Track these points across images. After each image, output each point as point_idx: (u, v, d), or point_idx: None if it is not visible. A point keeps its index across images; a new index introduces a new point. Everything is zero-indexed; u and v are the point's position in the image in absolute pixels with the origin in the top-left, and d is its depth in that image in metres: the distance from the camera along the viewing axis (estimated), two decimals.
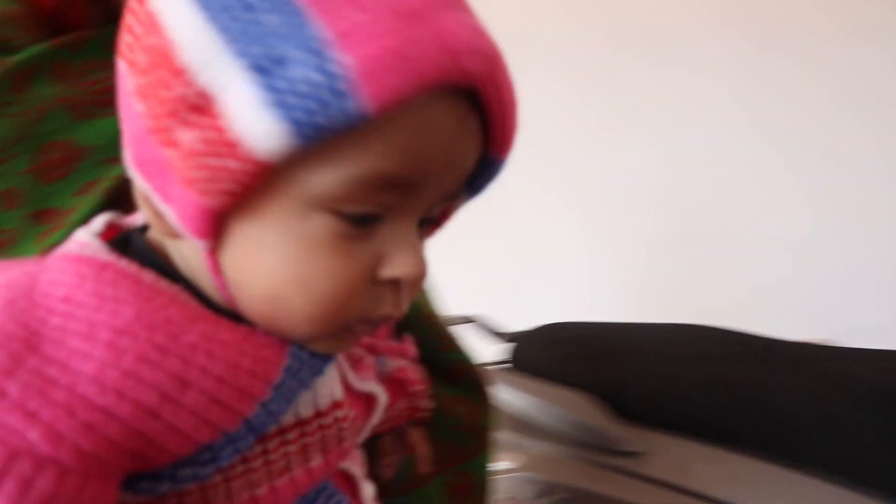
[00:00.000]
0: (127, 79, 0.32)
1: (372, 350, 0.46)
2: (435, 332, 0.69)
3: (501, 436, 1.11)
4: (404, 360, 0.58)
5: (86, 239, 0.33)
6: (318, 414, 0.38)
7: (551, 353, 1.16)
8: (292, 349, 0.35)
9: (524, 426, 1.12)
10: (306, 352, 0.36)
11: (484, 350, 1.33)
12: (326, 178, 0.31)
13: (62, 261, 0.31)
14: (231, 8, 0.28)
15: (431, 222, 0.39)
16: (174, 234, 0.34)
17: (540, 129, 2.44)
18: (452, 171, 0.35)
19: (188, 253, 0.35)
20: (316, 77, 0.28)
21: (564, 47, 2.32)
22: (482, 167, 0.37)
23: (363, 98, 0.28)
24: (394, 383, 0.55)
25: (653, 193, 2.35)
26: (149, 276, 0.32)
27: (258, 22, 0.28)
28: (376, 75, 0.28)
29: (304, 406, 0.37)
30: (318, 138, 0.29)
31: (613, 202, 2.37)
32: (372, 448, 0.59)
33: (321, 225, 0.32)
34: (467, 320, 1.37)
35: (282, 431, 0.36)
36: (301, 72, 0.28)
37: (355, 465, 0.44)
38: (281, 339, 0.35)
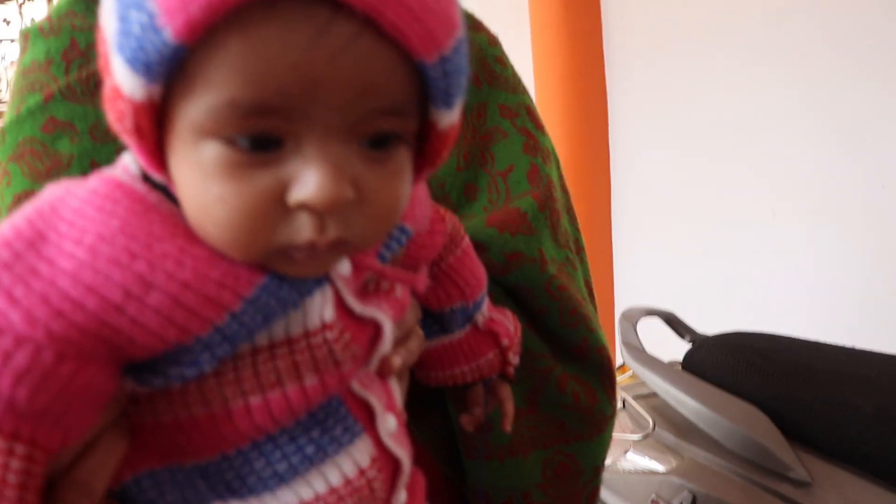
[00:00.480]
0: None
1: (381, 275, 0.44)
2: (561, 305, 0.69)
3: (661, 435, 1.09)
4: (499, 314, 0.61)
5: (126, 163, 0.38)
6: (307, 333, 0.39)
7: (729, 360, 1.09)
8: (269, 281, 0.36)
9: (686, 429, 1.07)
10: (290, 281, 0.37)
11: (671, 346, 1.29)
12: (195, 109, 0.33)
13: (94, 178, 0.37)
14: None
15: (390, 142, 0.36)
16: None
17: (772, 132, 2.25)
18: (342, 87, 0.33)
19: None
20: (140, 21, 0.31)
21: (806, 56, 2.12)
22: (427, 73, 0.35)
23: (175, 29, 0.30)
24: (485, 334, 0.58)
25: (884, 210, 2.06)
26: (154, 198, 0.36)
27: None
28: (177, 7, 0.30)
29: (294, 324, 0.38)
30: (161, 74, 0.32)
31: (839, 215, 2.12)
32: (462, 397, 0.62)
33: (211, 153, 0.33)
34: (661, 314, 1.33)
35: (272, 346, 0.38)
36: (134, 21, 0.31)
37: (376, 395, 0.44)
38: (257, 274, 0.36)
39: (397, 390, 0.47)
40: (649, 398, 1.16)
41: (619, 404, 1.22)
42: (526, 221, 0.69)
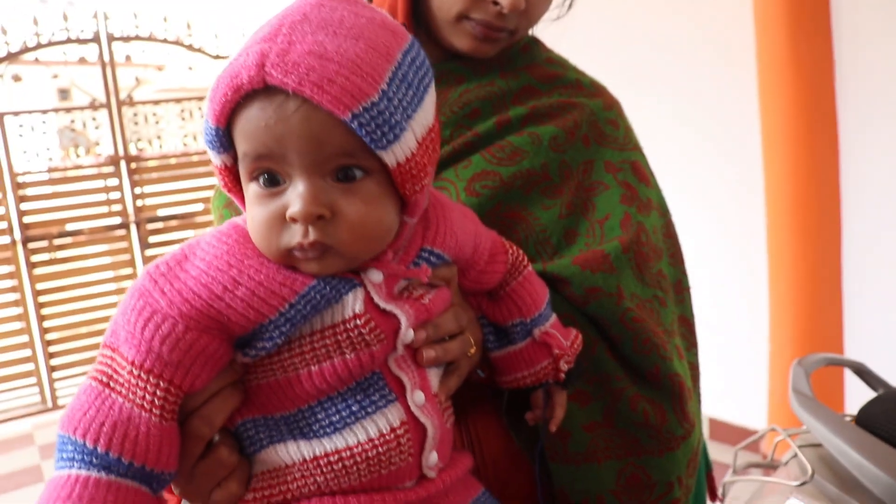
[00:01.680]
0: None
1: (393, 273, 0.60)
2: (634, 335, 0.78)
3: (823, 485, 1.07)
4: (560, 330, 0.74)
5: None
6: (344, 321, 0.56)
7: None
8: (316, 284, 0.55)
9: (850, 484, 1.05)
10: (337, 279, 0.56)
11: (858, 397, 1.24)
12: (240, 164, 0.56)
13: (227, 222, 0.60)
14: None
15: (356, 175, 0.54)
16: None
17: None
18: (298, 141, 0.52)
19: None
20: (205, 126, 0.56)
21: None
22: (350, 126, 0.51)
23: (212, 121, 0.54)
24: (541, 345, 0.72)
25: None
26: (252, 243, 0.58)
27: None
28: (210, 108, 0.54)
29: (335, 314, 0.56)
30: (218, 147, 0.56)
31: None
32: (525, 399, 0.75)
33: (251, 190, 0.56)
34: (849, 364, 1.29)
35: (322, 330, 0.56)
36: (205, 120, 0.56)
37: (409, 375, 0.60)
38: (309, 278, 0.55)
39: (435, 376, 0.64)
40: (818, 448, 1.14)
41: (791, 453, 1.21)
42: (608, 262, 0.79)
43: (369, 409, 0.58)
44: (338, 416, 0.58)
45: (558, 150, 0.85)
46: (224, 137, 0.55)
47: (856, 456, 1.02)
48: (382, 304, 0.58)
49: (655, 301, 0.83)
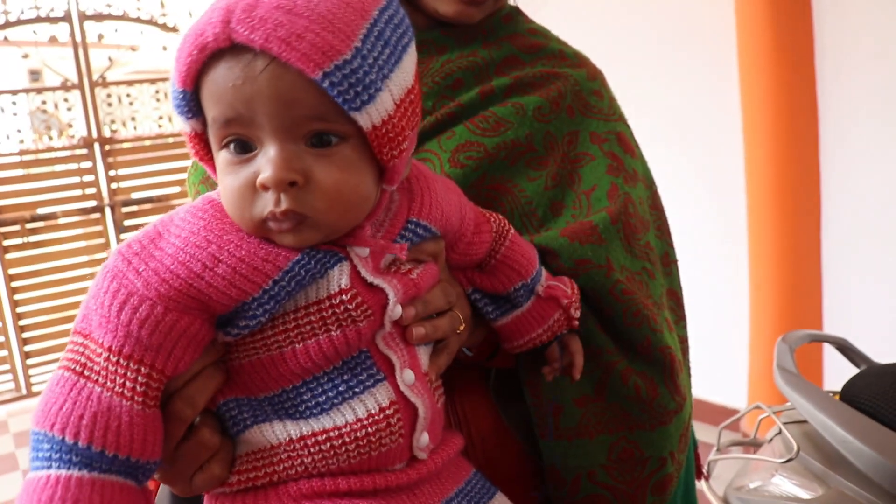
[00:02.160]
0: None
1: (374, 248, 0.57)
2: (625, 307, 0.77)
3: (809, 462, 1.08)
4: (556, 281, 0.73)
5: None
6: (330, 296, 0.54)
7: (889, 391, 1.05)
8: (300, 258, 0.52)
9: (835, 459, 1.05)
10: (322, 252, 0.53)
11: (842, 374, 1.25)
12: (209, 130, 0.53)
13: (200, 197, 0.57)
14: None
15: (331, 141, 0.51)
16: None
17: None
18: (267, 101, 0.49)
19: None
20: (172, 89, 0.52)
21: None
22: (321, 86, 0.48)
23: (179, 83, 0.51)
24: (547, 300, 0.72)
25: None
26: (231, 219, 0.55)
27: None
28: (177, 70, 0.51)
29: (321, 289, 0.54)
30: (186, 111, 0.53)
31: None
32: (540, 356, 0.74)
33: (221, 158, 0.53)
34: (832, 340, 1.29)
35: (306, 306, 0.54)
36: (172, 85, 0.53)
37: (397, 354, 0.58)
38: (293, 253, 0.53)
39: (424, 354, 0.62)
40: (803, 424, 1.14)
41: (776, 430, 1.21)
42: (596, 233, 0.78)
43: (357, 389, 0.56)
44: (324, 397, 0.56)
45: (543, 121, 0.83)
46: (192, 101, 0.52)
47: (841, 432, 1.02)
48: (370, 278, 0.56)
49: (644, 273, 0.82)
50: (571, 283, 0.75)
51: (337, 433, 0.55)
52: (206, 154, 0.56)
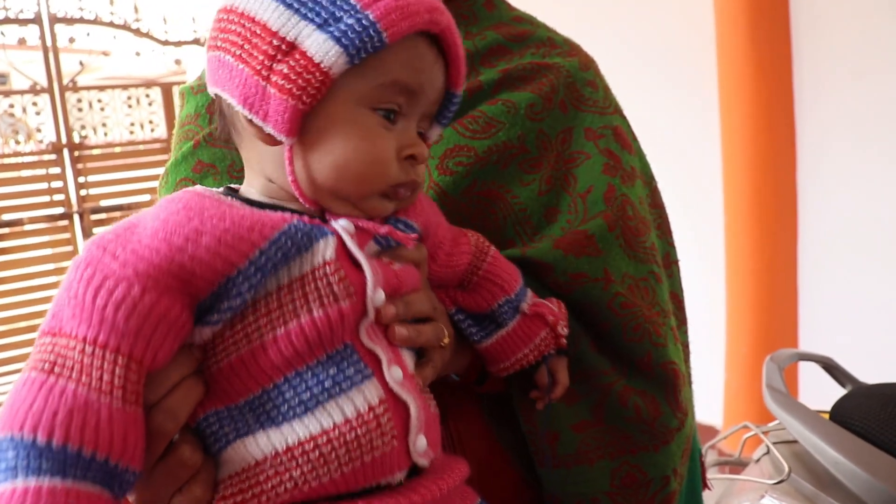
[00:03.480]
0: (224, 58, 0.54)
1: (368, 229, 0.57)
2: (624, 322, 0.73)
3: (799, 483, 1.06)
4: (542, 300, 0.70)
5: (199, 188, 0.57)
6: (314, 269, 0.52)
7: (879, 412, 1.04)
8: (294, 222, 0.51)
9: (825, 480, 1.04)
10: (309, 225, 0.52)
11: (829, 393, 1.24)
12: (365, 86, 0.54)
13: (181, 191, 0.54)
14: None
15: (420, 135, 0.59)
16: (267, 140, 0.55)
17: None
18: (433, 88, 0.57)
19: (253, 177, 0.59)
20: (361, 24, 0.51)
21: None
22: (444, 101, 0.60)
23: (386, 34, 0.51)
24: (533, 317, 0.69)
25: None
26: (213, 194, 0.53)
27: (316, 1, 0.52)
28: (392, 21, 0.52)
29: (305, 264, 0.52)
30: (361, 58, 0.52)
31: None
32: (529, 381, 0.71)
33: (367, 117, 0.54)
34: (818, 359, 1.28)
35: (290, 283, 0.51)
36: (350, 23, 0.51)
37: (382, 348, 0.55)
38: (287, 215, 0.52)
39: (408, 358, 0.59)
40: (792, 445, 1.13)
41: (763, 450, 1.20)
42: (592, 243, 0.74)
43: (344, 385, 0.52)
44: (308, 394, 0.52)
45: (535, 119, 0.79)
46: (376, 51, 0.53)
47: (833, 453, 1.01)
48: (355, 252, 0.54)
49: (651, 278, 0.78)
50: (558, 303, 0.72)
51: (325, 438, 0.51)
52: (315, 100, 0.53)
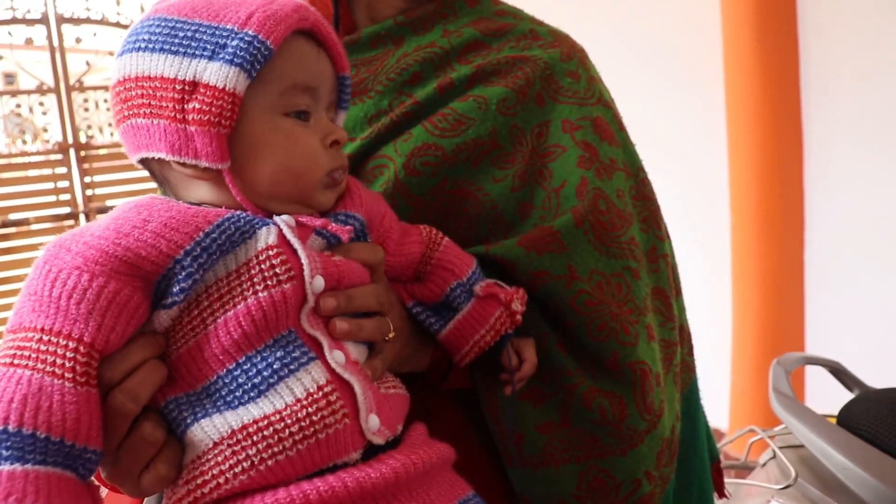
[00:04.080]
0: (137, 122, 0.59)
1: (303, 224, 0.60)
2: (588, 320, 0.72)
3: (806, 488, 1.05)
4: (489, 279, 0.71)
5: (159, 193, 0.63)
6: (257, 253, 0.56)
7: (888, 417, 1.03)
8: (231, 215, 0.56)
9: (832, 485, 1.03)
10: (251, 215, 0.57)
11: (835, 397, 1.23)
12: (270, 95, 0.58)
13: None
14: (177, 41, 0.57)
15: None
16: (204, 176, 0.58)
17: None
18: (325, 78, 0.62)
19: (192, 191, 0.61)
20: (244, 41, 0.55)
21: None
22: (339, 87, 0.65)
23: (269, 41, 0.56)
24: (486, 298, 0.69)
25: None
26: (166, 198, 0.58)
27: (195, 38, 0.56)
28: (270, 29, 0.56)
29: (249, 249, 0.56)
30: (257, 70, 0.56)
31: None
32: (496, 367, 0.71)
33: (283, 122, 0.59)
34: (825, 363, 1.28)
35: (237, 270, 0.55)
36: (235, 44, 0.55)
37: (322, 334, 0.58)
38: (222, 211, 0.56)
39: (352, 347, 0.61)
40: (799, 449, 1.12)
41: (769, 454, 1.19)
42: (557, 239, 0.73)
43: (291, 367, 0.55)
44: (259, 378, 0.54)
45: (508, 114, 0.77)
46: (266, 60, 0.57)
47: (840, 458, 1.00)
48: (293, 241, 0.57)
49: (627, 273, 0.75)
50: (518, 288, 0.72)
51: (278, 417, 0.53)
52: (230, 121, 0.56)
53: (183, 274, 0.53)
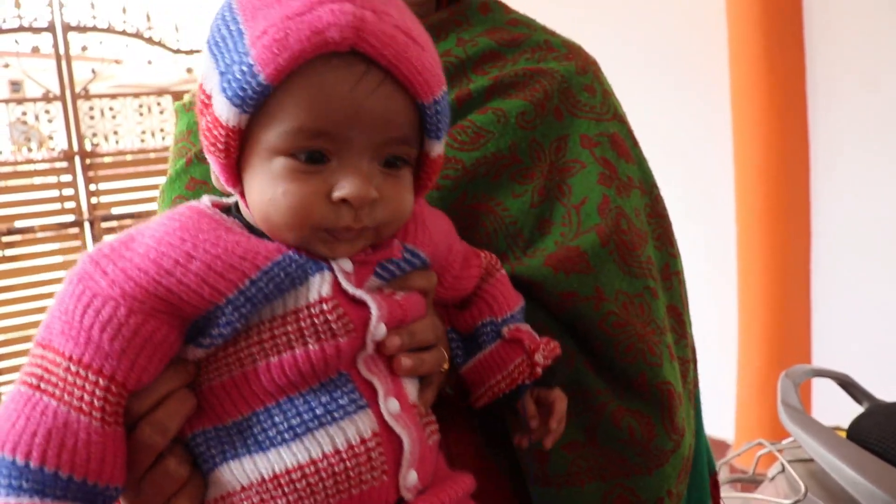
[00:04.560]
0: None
1: (364, 262, 0.55)
2: (617, 341, 0.71)
3: (815, 502, 1.04)
4: (523, 325, 0.67)
5: (200, 199, 0.55)
6: (308, 305, 0.50)
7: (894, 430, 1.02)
8: (289, 253, 0.50)
9: (842, 499, 1.02)
10: (304, 258, 0.51)
11: (843, 409, 1.22)
12: (272, 134, 0.49)
13: (182, 205, 0.53)
14: (216, 39, 0.51)
15: (399, 164, 0.53)
16: (228, 192, 0.55)
17: None
18: (372, 119, 0.49)
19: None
20: (241, 70, 0.47)
21: None
22: (425, 112, 0.52)
23: (267, 74, 0.46)
24: (511, 342, 0.65)
25: None
26: (211, 211, 0.52)
27: (226, 48, 0.49)
28: (268, 59, 0.46)
29: (300, 297, 0.51)
30: (253, 106, 0.48)
31: None
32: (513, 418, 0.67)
33: (280, 164, 0.49)
34: (834, 376, 1.26)
35: (284, 315, 0.50)
36: (234, 70, 0.48)
37: (381, 380, 0.53)
38: (283, 245, 0.50)
39: (410, 386, 0.57)
40: (808, 463, 1.11)
41: (778, 468, 1.17)
42: (584, 260, 0.72)
43: (336, 415, 0.51)
44: (298, 420, 0.50)
45: (527, 128, 0.76)
46: (265, 96, 0.48)
47: (851, 472, 0.99)
48: (352, 290, 0.52)
49: (647, 293, 0.75)
50: (549, 341, 0.67)
51: (313, 469, 0.50)
52: (233, 154, 0.51)
53: (223, 320, 0.49)
